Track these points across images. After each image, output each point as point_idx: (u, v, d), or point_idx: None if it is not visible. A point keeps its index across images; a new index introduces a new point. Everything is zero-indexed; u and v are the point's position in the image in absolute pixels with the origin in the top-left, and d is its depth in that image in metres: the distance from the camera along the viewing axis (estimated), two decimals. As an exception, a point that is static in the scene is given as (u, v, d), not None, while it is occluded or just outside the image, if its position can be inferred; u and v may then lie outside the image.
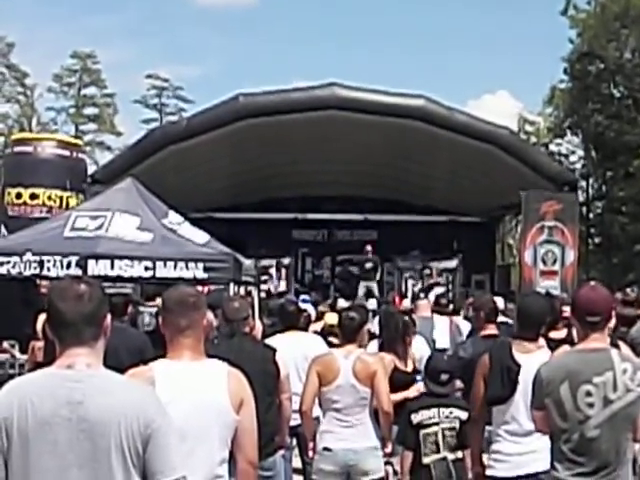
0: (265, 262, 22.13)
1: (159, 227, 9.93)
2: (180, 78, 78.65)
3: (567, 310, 6.50)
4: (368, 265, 22.16)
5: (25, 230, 10.57)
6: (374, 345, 8.21)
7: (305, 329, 9.21)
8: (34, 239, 9.80)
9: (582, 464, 4.43)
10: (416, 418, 6.45)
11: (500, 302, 11.39)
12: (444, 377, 6.64)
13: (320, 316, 11.59)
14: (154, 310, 12.03)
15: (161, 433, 3.10)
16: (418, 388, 7.27)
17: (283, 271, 23.54)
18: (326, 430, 6.76)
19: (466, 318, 11.52)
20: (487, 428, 5.98)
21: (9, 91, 55.75)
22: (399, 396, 7.12)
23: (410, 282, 23.61)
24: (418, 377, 7.53)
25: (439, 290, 19.00)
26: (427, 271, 23.73)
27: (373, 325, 10.41)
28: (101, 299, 3.27)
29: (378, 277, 22.52)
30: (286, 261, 23.76)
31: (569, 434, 4.45)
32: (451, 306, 13.08)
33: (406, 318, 8.14)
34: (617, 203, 35.14)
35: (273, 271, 23.13)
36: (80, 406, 3.04)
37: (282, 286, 23.05)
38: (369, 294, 21.15)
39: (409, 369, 7.74)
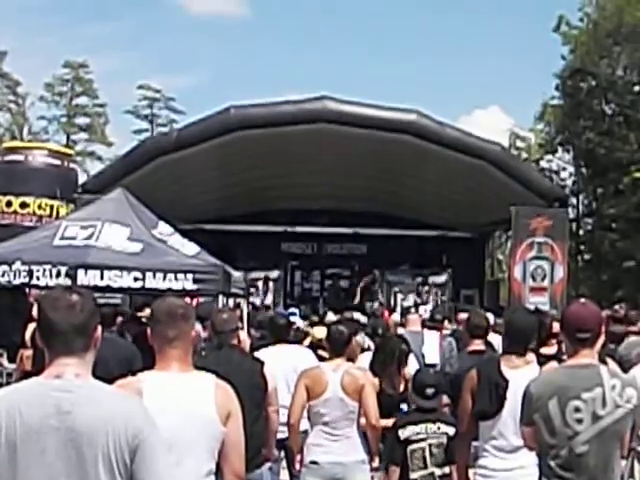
0: (253, 275, 22.10)
1: (149, 238, 9.92)
2: (172, 88, 78.52)
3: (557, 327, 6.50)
4: (375, 287, 22.34)
5: (15, 239, 10.54)
6: (364, 358, 8.17)
7: (296, 342, 9.19)
8: (24, 248, 9.79)
9: (570, 480, 4.43)
10: (404, 434, 6.42)
11: (490, 317, 11.38)
12: (429, 391, 6.59)
13: (305, 334, 11.44)
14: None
15: (149, 444, 3.09)
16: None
17: (270, 284, 23.46)
18: (314, 443, 6.74)
19: (452, 334, 11.44)
20: (474, 443, 5.96)
21: (0, 99, 55.72)
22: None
23: (399, 296, 23.60)
24: (403, 406, 7.47)
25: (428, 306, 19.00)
26: (426, 288, 23.70)
27: (362, 338, 10.39)
28: (92, 310, 3.26)
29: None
30: (274, 274, 23.70)
31: (557, 450, 4.44)
32: (446, 322, 13.05)
33: (403, 346, 7.87)
34: (607, 220, 35.11)
35: (260, 284, 23.06)
36: (68, 416, 3.03)
37: (268, 299, 23.01)
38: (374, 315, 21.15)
39: (400, 391, 7.66)
